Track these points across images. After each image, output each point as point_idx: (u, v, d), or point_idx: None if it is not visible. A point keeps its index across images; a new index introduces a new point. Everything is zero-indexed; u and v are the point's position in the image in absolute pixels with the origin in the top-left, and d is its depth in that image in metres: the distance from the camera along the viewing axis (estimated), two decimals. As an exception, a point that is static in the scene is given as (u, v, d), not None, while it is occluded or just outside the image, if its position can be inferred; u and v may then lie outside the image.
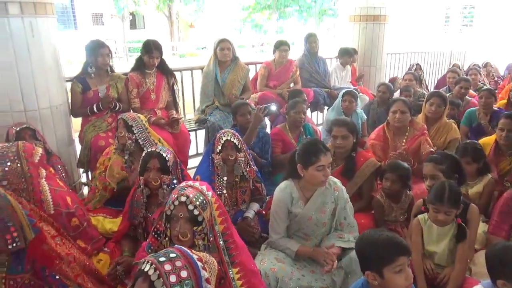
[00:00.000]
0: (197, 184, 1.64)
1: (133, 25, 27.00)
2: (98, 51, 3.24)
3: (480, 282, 1.75)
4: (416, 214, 2.31)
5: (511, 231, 2.16)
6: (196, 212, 1.53)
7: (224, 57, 3.92)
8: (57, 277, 1.67)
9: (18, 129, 2.79)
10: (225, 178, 2.67)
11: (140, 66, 3.56)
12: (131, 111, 3.48)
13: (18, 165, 2.12)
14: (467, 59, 8.52)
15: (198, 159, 3.11)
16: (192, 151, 3.98)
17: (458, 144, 3.60)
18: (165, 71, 3.67)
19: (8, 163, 2.11)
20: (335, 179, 2.35)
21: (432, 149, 3.19)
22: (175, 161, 2.29)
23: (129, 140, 2.75)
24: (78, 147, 3.50)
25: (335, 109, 4.18)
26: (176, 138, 3.47)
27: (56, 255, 1.70)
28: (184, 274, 1.09)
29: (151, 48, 3.45)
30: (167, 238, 1.59)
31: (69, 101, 3.34)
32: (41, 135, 2.92)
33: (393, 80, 6.06)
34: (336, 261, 2.07)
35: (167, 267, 1.08)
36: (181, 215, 1.54)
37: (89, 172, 3.39)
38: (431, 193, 2.12)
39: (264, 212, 2.78)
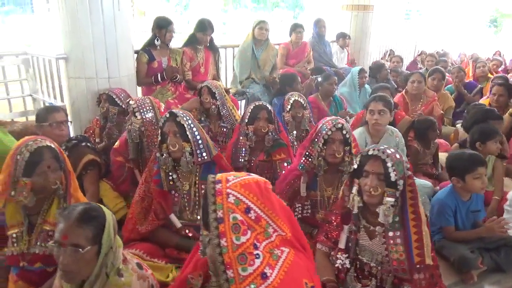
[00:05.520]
0: (339, 118, 2.20)
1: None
2: (167, 27, 3.60)
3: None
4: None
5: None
6: (347, 136, 2.10)
7: (261, 36, 4.42)
8: None
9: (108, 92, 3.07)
10: (294, 132, 3.22)
11: (192, 42, 3.97)
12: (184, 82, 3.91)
13: (152, 114, 2.53)
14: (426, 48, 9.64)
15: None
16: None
17: (452, 110, 4.50)
18: (212, 48, 4.12)
19: (145, 113, 2.52)
20: (394, 128, 3.02)
21: (442, 112, 3.99)
22: (274, 113, 2.80)
23: (213, 106, 3.20)
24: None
25: (348, 84, 4.85)
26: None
27: (231, 170, 2.25)
28: (397, 156, 1.66)
29: (205, 26, 3.89)
30: (320, 158, 2.12)
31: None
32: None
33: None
34: None
35: (388, 151, 1.65)
36: (337, 137, 2.09)
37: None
38: (490, 131, 2.80)
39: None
